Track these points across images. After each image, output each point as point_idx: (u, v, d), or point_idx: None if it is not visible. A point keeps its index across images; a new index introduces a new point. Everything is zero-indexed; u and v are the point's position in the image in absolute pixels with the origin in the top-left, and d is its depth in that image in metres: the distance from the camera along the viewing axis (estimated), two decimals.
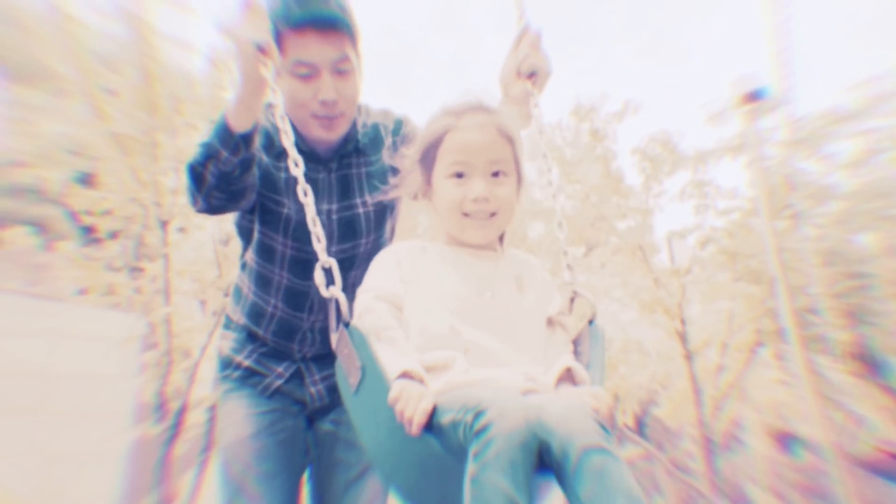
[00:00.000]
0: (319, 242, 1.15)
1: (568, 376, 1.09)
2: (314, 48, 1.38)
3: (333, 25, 1.38)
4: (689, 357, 6.33)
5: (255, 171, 1.41)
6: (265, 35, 1.24)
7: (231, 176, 1.33)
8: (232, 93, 1.33)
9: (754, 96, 5.72)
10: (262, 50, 1.22)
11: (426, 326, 1.10)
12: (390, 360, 1.00)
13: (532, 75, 1.36)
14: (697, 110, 6.47)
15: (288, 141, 1.21)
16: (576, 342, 1.19)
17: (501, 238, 1.27)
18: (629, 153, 6.66)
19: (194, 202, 1.40)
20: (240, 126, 1.29)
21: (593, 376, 1.10)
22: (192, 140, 4.96)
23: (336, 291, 1.08)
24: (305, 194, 1.18)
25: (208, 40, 5.39)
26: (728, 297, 6.54)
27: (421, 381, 0.98)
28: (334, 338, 1.07)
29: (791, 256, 5.63)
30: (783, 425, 7.06)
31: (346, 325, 1.06)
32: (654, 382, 7.09)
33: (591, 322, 1.19)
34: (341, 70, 1.42)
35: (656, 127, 6.65)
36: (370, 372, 1.00)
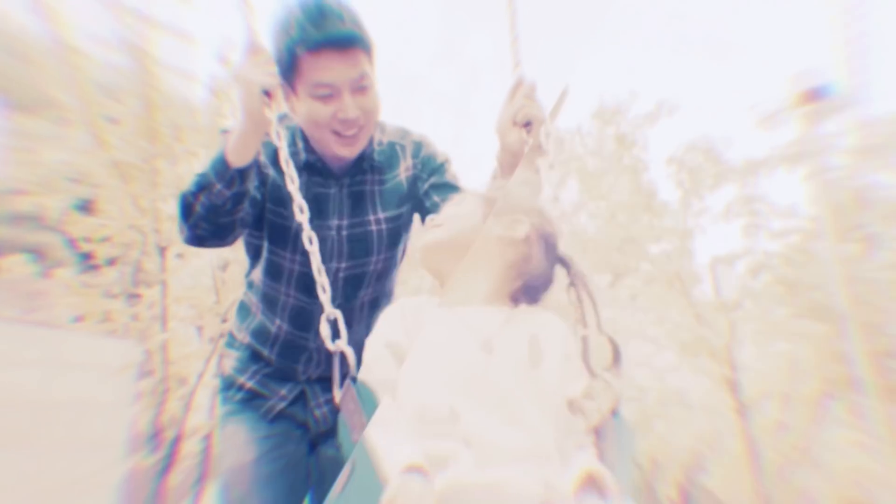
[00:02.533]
0: (325, 293, 1.17)
1: (590, 481, 0.92)
2: (333, 70, 1.38)
3: (351, 44, 1.39)
4: (742, 411, 5.37)
5: (247, 208, 1.43)
6: (271, 79, 1.30)
7: (221, 209, 1.35)
8: (233, 128, 1.37)
9: (817, 94, 4.97)
10: (267, 94, 1.29)
11: (423, 406, 0.99)
12: (393, 447, 0.90)
13: (527, 125, 1.43)
14: (747, 112, 5.54)
15: (293, 186, 1.26)
16: (598, 433, 1.01)
17: (519, 292, 1.17)
18: (664, 163, 5.82)
19: (180, 231, 1.44)
20: (238, 161, 1.33)
21: (619, 482, 0.93)
22: (192, 167, 5.02)
23: (342, 345, 1.09)
24: (311, 242, 1.22)
25: (208, 70, 5.51)
26: (788, 338, 5.55)
27: (425, 474, 0.85)
28: (338, 393, 1.05)
29: (864, 288, 4.74)
30: (862, 497, 5.60)
31: (354, 380, 1.06)
32: (700, 443, 6.07)
33: (615, 414, 1.04)
34: (361, 87, 1.43)
35: (696, 132, 5.92)
36: None
